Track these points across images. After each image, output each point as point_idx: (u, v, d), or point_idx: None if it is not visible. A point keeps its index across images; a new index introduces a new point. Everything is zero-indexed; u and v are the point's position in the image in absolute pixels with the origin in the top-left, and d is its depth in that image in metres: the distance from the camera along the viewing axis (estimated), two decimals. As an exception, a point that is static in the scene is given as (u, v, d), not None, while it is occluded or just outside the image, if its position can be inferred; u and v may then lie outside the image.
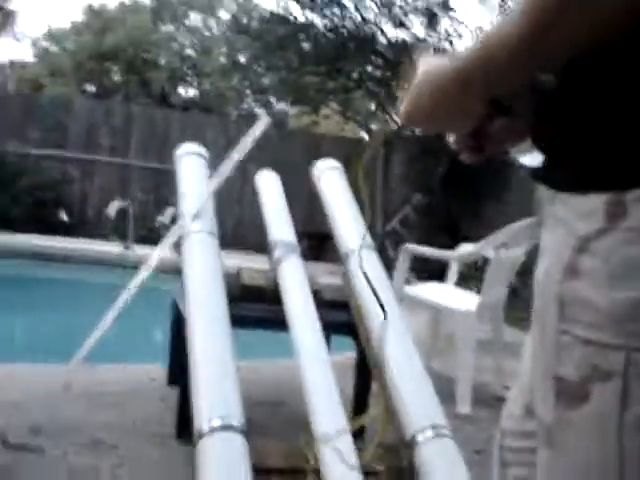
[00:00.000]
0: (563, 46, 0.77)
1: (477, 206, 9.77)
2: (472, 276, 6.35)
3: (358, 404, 2.97)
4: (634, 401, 0.73)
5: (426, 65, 0.94)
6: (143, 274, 3.06)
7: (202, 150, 3.28)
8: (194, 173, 3.12)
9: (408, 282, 4.49)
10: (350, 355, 3.19)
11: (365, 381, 2.99)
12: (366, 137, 13.55)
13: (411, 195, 10.39)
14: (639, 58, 0.75)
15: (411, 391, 2.39)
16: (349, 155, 10.61)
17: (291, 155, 10.95)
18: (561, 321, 0.79)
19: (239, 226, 10.93)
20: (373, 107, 12.47)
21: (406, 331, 2.65)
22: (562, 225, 0.81)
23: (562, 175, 0.82)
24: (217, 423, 1.96)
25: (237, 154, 3.03)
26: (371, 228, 9.90)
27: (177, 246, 2.91)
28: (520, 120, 0.96)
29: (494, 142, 1.01)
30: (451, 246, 4.88)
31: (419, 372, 2.48)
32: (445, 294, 4.05)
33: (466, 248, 4.45)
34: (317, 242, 9.09)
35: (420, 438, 2.18)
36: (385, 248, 9.76)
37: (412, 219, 10.51)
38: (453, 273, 4.53)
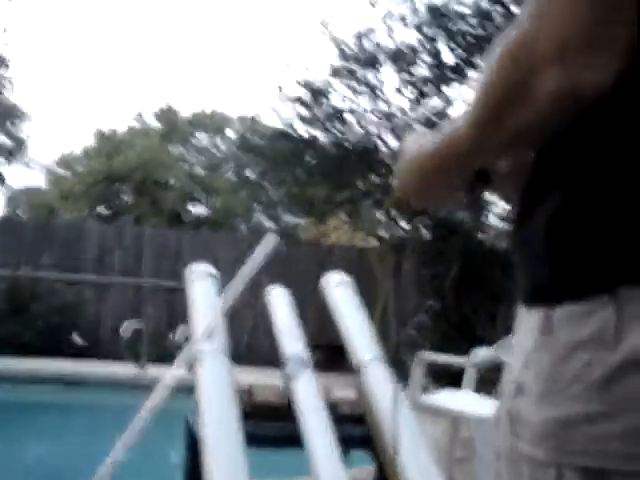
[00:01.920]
0: (503, 147, 0.83)
1: (492, 306, 9.74)
2: (490, 379, 6.28)
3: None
4: None
5: (411, 143, 0.99)
6: (155, 398, 3.05)
7: (211, 269, 3.32)
8: (204, 293, 3.16)
9: (426, 390, 4.45)
10: (370, 469, 3.12)
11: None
12: (376, 244, 13.69)
13: (424, 300, 10.39)
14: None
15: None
16: (359, 263, 10.70)
17: (301, 266, 11.04)
18: (512, 436, 0.80)
19: (252, 339, 10.90)
20: (381, 215, 12.66)
21: (422, 441, 2.62)
22: (517, 342, 0.84)
23: (520, 284, 0.85)
24: None
25: (246, 273, 3.07)
26: (385, 335, 9.86)
27: (190, 365, 2.91)
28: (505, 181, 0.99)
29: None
30: (468, 348, 4.86)
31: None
32: (462, 401, 4.01)
33: (480, 353, 4.43)
34: (330, 353, 9.01)
35: None
36: (400, 355, 9.69)
37: (426, 324, 10.47)
38: (469, 378, 4.49)
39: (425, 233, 11.43)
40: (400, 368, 3.92)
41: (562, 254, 0.77)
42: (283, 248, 3.24)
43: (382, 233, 12.44)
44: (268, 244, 3.11)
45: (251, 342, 10.86)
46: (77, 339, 10.41)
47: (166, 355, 9.07)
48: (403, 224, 11.26)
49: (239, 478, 2.22)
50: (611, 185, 0.75)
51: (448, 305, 9.81)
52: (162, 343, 9.76)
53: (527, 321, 0.81)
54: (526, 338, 0.80)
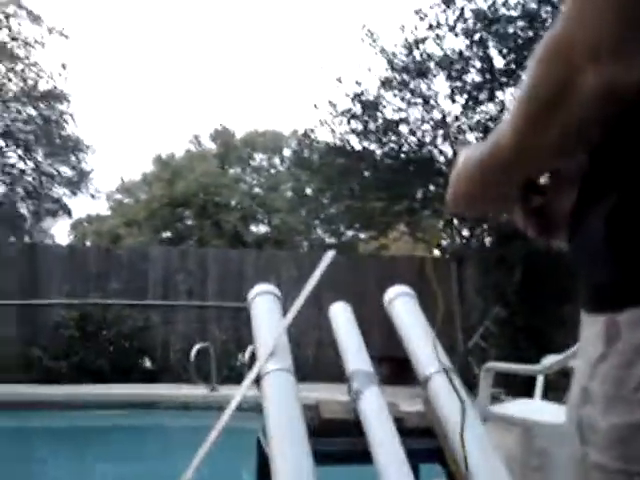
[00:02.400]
0: (550, 154, 0.81)
1: (560, 311, 9.55)
2: (562, 386, 6.16)
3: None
4: None
5: (464, 154, 0.99)
6: (224, 418, 3.08)
7: (274, 288, 3.35)
8: (267, 312, 3.18)
9: (498, 400, 4.40)
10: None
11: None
12: (438, 255, 13.59)
13: (489, 308, 10.25)
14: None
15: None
16: (421, 274, 10.63)
17: (364, 280, 11.03)
18: (583, 445, 0.79)
19: (318, 355, 10.93)
20: (441, 225, 12.58)
21: (493, 452, 2.58)
22: (582, 350, 0.82)
23: (581, 292, 0.84)
24: None
25: (307, 290, 3.09)
26: (451, 345, 9.77)
27: (257, 383, 2.94)
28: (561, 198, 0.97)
29: (555, 221, 1.01)
30: (536, 354, 4.78)
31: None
32: (533, 409, 3.94)
33: (551, 359, 4.35)
34: (395, 366, 8.97)
35: None
36: (469, 365, 9.59)
37: (493, 332, 10.32)
38: (540, 386, 4.42)
39: (487, 240, 11.31)
40: (468, 378, 3.89)
41: (626, 252, 0.75)
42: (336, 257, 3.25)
43: (443, 242, 12.35)
44: (327, 260, 3.12)
45: (317, 358, 10.89)
46: (146, 363, 10.59)
47: (235, 375, 9.18)
48: (464, 232, 11.15)
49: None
50: None
51: (514, 311, 9.66)
52: (231, 364, 9.87)
53: (591, 328, 0.80)
54: (591, 346, 0.79)
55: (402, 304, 3.23)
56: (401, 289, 3.36)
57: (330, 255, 3.12)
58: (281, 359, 2.88)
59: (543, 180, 1.00)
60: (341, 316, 3.39)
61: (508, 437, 4.11)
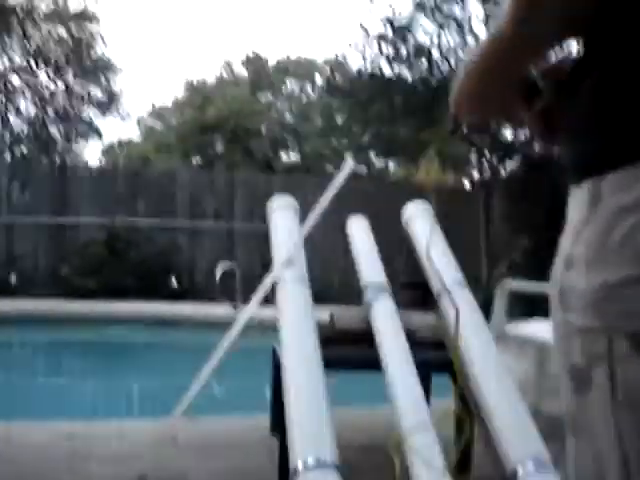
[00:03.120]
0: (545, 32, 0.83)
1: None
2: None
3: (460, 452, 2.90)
4: (620, 382, 0.74)
5: (467, 55, 1.00)
6: (241, 322, 3.14)
7: (292, 201, 3.36)
8: (284, 223, 3.20)
9: (512, 321, 4.38)
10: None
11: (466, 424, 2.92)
12: (467, 185, 13.48)
13: (516, 238, 10.20)
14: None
15: (510, 425, 2.33)
16: (450, 202, 10.55)
17: (392, 207, 11.00)
18: (563, 311, 0.81)
19: (344, 280, 11.00)
20: (471, 154, 12.44)
21: (502, 368, 2.61)
22: (569, 221, 0.84)
23: (568, 169, 0.86)
24: (311, 461, 1.98)
25: (326, 198, 3.10)
26: (477, 276, 9.76)
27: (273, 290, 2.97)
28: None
29: (556, 126, 1.02)
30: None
31: (518, 407, 2.42)
32: (550, 329, 3.94)
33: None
34: (422, 292, 9.01)
35: (521, 471, 2.12)
36: (493, 295, 9.58)
37: (519, 263, 10.29)
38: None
39: (516, 169, 11.18)
40: (492, 309, 3.88)
41: (607, 121, 0.78)
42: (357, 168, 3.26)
43: (474, 173, 12.25)
44: (347, 169, 3.11)
45: (343, 283, 10.97)
46: (173, 283, 10.75)
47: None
48: (493, 161, 11.02)
49: (316, 399, 2.26)
50: None
51: (542, 243, 9.60)
52: (255, 285, 9.95)
53: (576, 197, 0.82)
54: (575, 213, 0.81)
55: (419, 219, 3.23)
56: (419, 205, 3.36)
57: (349, 164, 3.11)
58: (296, 268, 2.91)
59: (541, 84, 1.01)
60: (358, 229, 3.40)
61: (524, 358, 4.13)
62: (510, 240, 10.27)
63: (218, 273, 8.83)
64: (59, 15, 14.51)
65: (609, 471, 0.76)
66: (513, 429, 2.31)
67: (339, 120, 15.84)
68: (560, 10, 0.79)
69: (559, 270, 0.83)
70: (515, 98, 0.98)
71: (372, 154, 17.38)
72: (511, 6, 0.82)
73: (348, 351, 2.92)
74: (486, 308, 4.11)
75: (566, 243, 0.83)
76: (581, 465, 0.82)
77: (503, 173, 11.16)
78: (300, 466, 1.97)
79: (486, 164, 10.97)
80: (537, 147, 9.81)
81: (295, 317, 2.66)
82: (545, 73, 0.97)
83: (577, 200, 0.82)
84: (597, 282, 0.75)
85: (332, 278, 11.22)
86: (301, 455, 2.00)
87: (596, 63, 0.80)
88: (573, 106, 0.84)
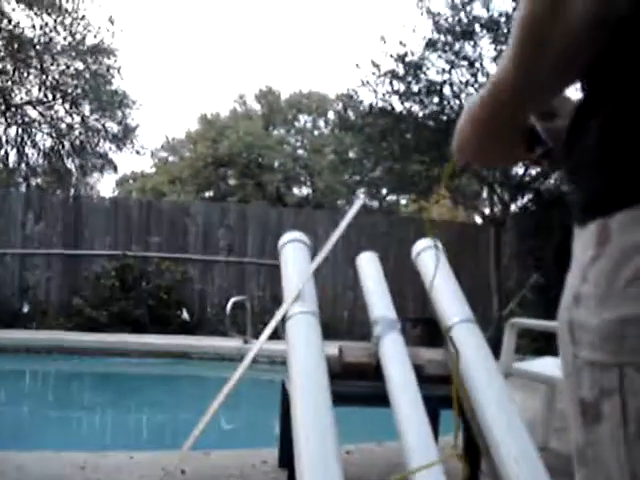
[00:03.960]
0: (551, 77, 0.84)
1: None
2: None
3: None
4: (632, 414, 0.75)
5: (467, 103, 1.02)
6: (250, 356, 3.16)
7: (303, 236, 3.40)
8: (295, 258, 3.24)
9: (522, 359, 4.38)
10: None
11: (473, 458, 2.93)
12: (478, 220, 13.49)
13: (525, 274, 10.19)
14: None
15: (517, 461, 2.34)
16: (461, 238, 10.52)
17: (403, 242, 11.03)
18: (573, 345, 0.82)
19: (353, 315, 11.01)
20: (482, 190, 12.49)
21: (511, 405, 2.62)
22: (574, 260, 0.85)
23: (574, 207, 0.87)
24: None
25: (336, 234, 3.14)
26: (487, 312, 9.75)
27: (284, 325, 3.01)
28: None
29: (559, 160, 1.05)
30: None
31: (525, 443, 2.43)
32: (558, 366, 3.94)
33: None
34: (432, 328, 9.01)
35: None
36: (503, 331, 9.56)
37: (530, 300, 10.27)
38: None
39: (527, 205, 11.20)
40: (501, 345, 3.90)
41: (616, 159, 0.79)
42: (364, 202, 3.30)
43: (485, 209, 12.28)
44: (357, 205, 3.16)
45: (352, 318, 10.98)
46: (185, 315, 10.78)
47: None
48: (505, 197, 11.06)
49: (324, 436, 2.28)
50: None
51: (551, 279, 9.59)
52: (266, 319, 9.97)
53: (583, 237, 0.83)
54: (582, 253, 0.82)
55: (428, 255, 3.27)
56: (428, 242, 3.40)
57: (360, 201, 3.17)
58: (306, 302, 2.95)
59: (543, 135, 1.04)
60: (368, 264, 3.44)
61: (532, 395, 4.12)
62: (521, 276, 10.27)
63: (229, 307, 8.87)
64: (76, 49, 14.72)
65: None
66: (520, 465, 2.32)
67: (351, 155, 15.90)
68: (564, 54, 0.80)
69: (568, 306, 0.84)
70: (517, 145, 1.00)
71: (383, 190, 17.43)
72: (512, 51, 0.83)
73: (357, 386, 2.94)
74: (497, 344, 4.13)
75: (574, 281, 0.84)
76: None
77: (514, 208, 11.17)
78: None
79: (497, 199, 11.01)
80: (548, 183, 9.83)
81: (305, 352, 2.69)
82: (540, 118, 1.00)
83: (582, 239, 0.83)
84: (607, 317, 0.77)
85: (341, 312, 11.24)
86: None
87: (602, 103, 0.81)
88: (579, 147, 0.85)
